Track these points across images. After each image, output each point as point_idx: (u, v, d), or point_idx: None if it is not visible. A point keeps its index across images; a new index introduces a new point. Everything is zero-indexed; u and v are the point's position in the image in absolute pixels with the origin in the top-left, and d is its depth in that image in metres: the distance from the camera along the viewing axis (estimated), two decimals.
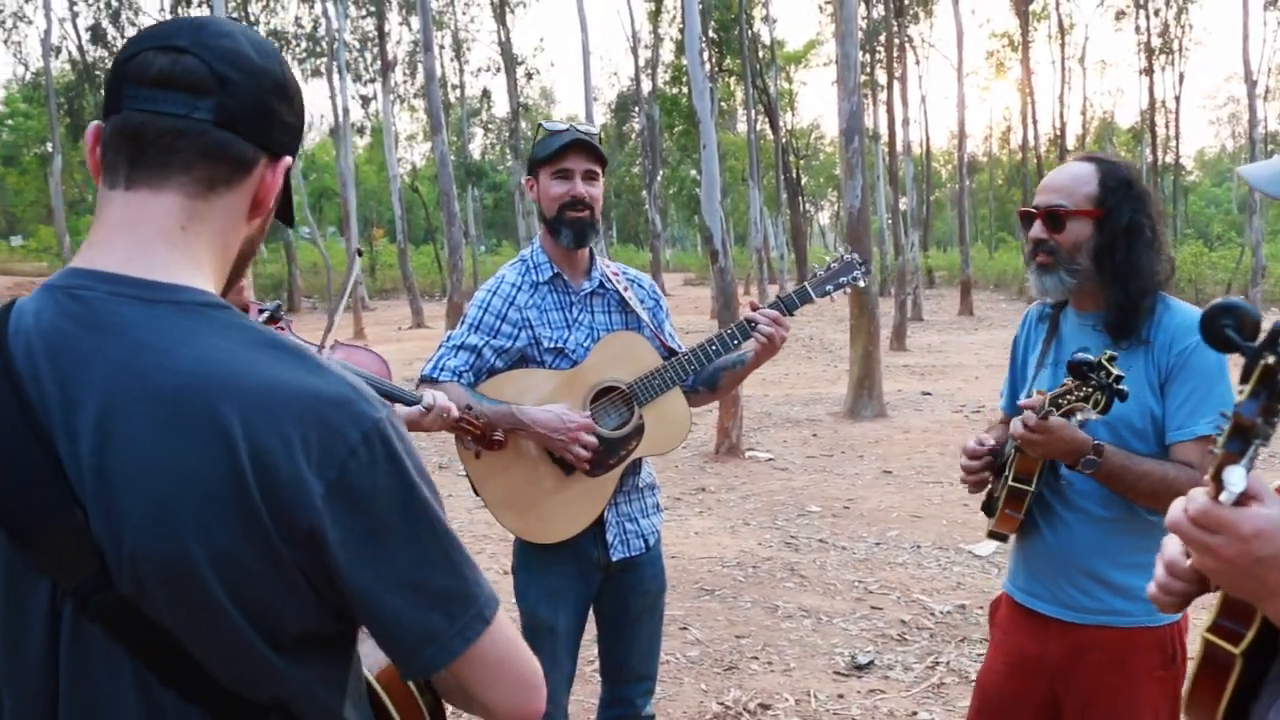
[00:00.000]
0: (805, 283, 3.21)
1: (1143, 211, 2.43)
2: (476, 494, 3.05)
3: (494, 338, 3.04)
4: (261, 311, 2.40)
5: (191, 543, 1.10)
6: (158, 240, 1.20)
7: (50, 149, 38.18)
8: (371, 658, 1.50)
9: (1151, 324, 2.42)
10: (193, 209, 1.21)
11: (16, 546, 1.13)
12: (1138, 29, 39.67)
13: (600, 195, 3.10)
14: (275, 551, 1.13)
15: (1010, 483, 2.50)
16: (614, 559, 3.10)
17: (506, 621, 1.28)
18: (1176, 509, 1.30)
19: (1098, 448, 2.30)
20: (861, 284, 3.25)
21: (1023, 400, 2.37)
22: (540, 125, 3.17)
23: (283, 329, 2.43)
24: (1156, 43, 39.44)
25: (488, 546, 7.28)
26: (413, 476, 1.20)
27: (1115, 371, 2.15)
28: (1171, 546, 1.49)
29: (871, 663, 5.04)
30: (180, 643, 1.15)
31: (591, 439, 2.94)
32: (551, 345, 3.05)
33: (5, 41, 39.03)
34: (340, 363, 2.37)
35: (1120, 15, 40.36)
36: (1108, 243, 2.42)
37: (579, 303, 3.13)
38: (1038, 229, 2.48)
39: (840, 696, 4.69)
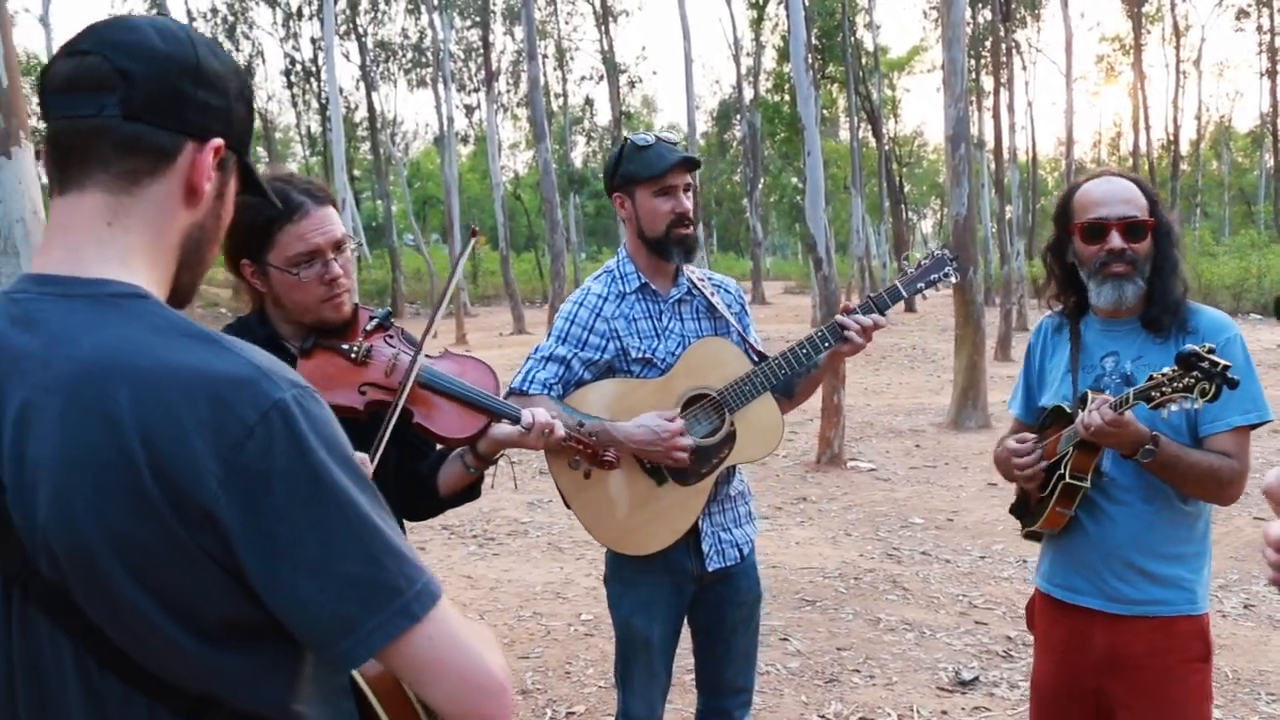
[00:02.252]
0: (896, 281, 3.14)
1: (1173, 221, 2.66)
2: (568, 506, 3.01)
3: (582, 349, 3.00)
4: (371, 318, 2.40)
5: (88, 526, 1.12)
6: (85, 239, 1.23)
7: None
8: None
9: (1190, 321, 2.58)
10: (117, 205, 1.24)
11: None
12: (1260, 28, 38.45)
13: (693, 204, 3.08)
14: (174, 534, 1.13)
15: (1067, 480, 2.57)
16: (710, 569, 3.06)
17: (450, 617, 1.22)
18: (1272, 476, 1.31)
19: (1155, 438, 2.40)
20: (954, 280, 3.17)
21: (1098, 398, 2.44)
22: (627, 139, 3.09)
23: (391, 337, 2.42)
24: None
25: (588, 552, 7.32)
26: (319, 457, 1.16)
27: (1222, 361, 2.21)
28: (1275, 529, 1.45)
29: (976, 679, 4.95)
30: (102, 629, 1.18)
31: (688, 441, 2.89)
32: (639, 355, 3.02)
33: None
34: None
35: (1242, 15, 39.16)
36: (1164, 249, 2.59)
37: (668, 310, 3.10)
38: (1116, 239, 2.57)
39: (944, 713, 4.62)
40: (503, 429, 2.42)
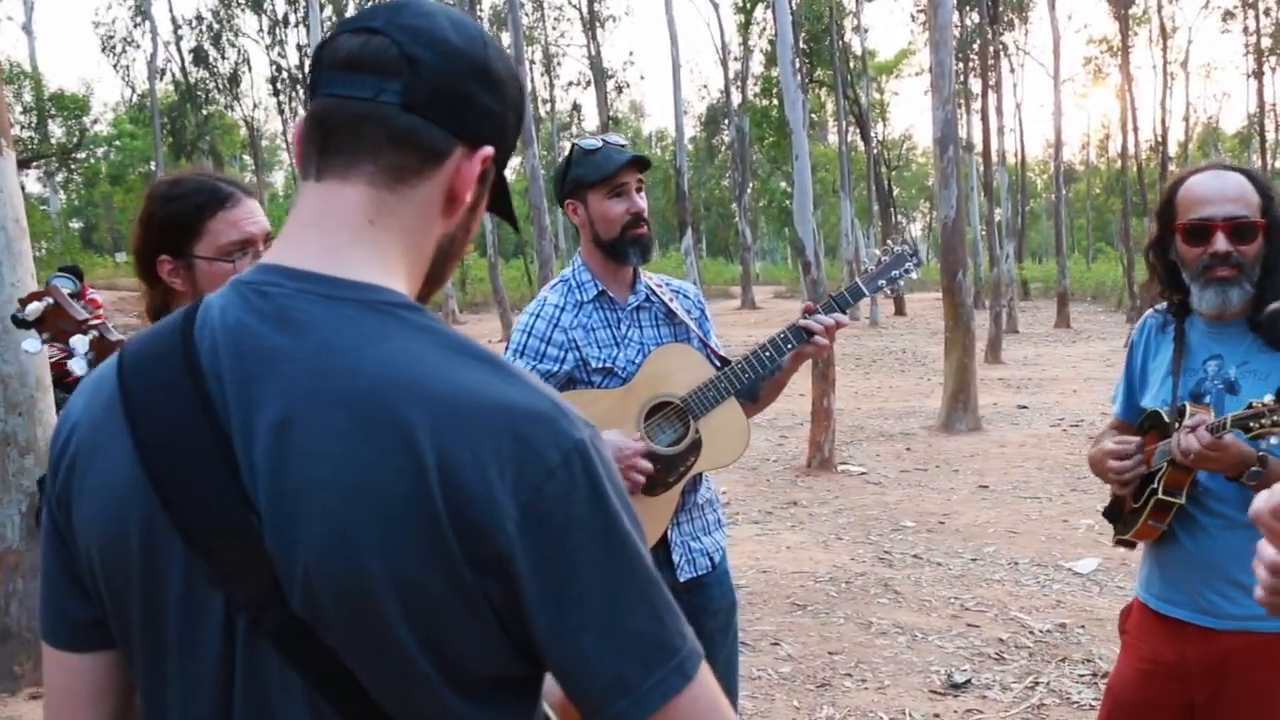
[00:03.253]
0: (856, 279, 3.11)
1: None
2: None
3: (540, 362, 2.94)
4: None
5: (371, 562, 1.01)
6: (346, 235, 1.12)
7: (154, 167, 39.35)
8: (549, 682, 1.44)
9: None
10: (381, 201, 1.12)
11: (190, 552, 1.06)
12: (1246, 30, 38.61)
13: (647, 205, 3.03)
14: (461, 578, 1.02)
15: (1160, 495, 2.45)
16: (681, 580, 2.99)
17: (710, 679, 1.12)
18: (1260, 501, 1.29)
19: (1262, 459, 2.25)
20: (914, 275, 3.14)
21: (1192, 419, 2.32)
22: (574, 145, 3.03)
23: None
24: (1267, 43, 38.33)
25: None
26: (615, 506, 1.07)
27: None
28: (1268, 550, 1.44)
29: (968, 682, 4.93)
30: (353, 674, 1.06)
31: (648, 465, 2.82)
32: (600, 365, 2.96)
33: (115, 65, 40.35)
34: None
35: (1228, 16, 39.33)
36: (1277, 249, 2.40)
37: (626, 318, 3.04)
38: (1222, 242, 2.39)
39: (936, 716, 4.60)
40: None
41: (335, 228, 1.12)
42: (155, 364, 1.10)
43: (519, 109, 1.21)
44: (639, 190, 2.97)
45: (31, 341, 2.35)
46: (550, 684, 1.27)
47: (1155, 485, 2.47)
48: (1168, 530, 2.51)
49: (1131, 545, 2.62)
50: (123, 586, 1.11)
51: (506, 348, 3.00)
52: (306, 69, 37.69)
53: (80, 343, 2.28)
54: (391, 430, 1.00)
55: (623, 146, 2.97)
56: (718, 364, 3.04)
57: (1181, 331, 2.57)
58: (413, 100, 1.10)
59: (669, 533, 2.98)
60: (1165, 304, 2.64)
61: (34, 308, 2.30)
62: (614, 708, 1.06)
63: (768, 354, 2.95)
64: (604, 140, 2.99)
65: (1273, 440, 2.19)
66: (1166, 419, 2.47)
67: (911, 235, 66.57)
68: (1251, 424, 2.18)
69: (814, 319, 2.94)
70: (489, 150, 1.17)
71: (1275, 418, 2.14)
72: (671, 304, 3.09)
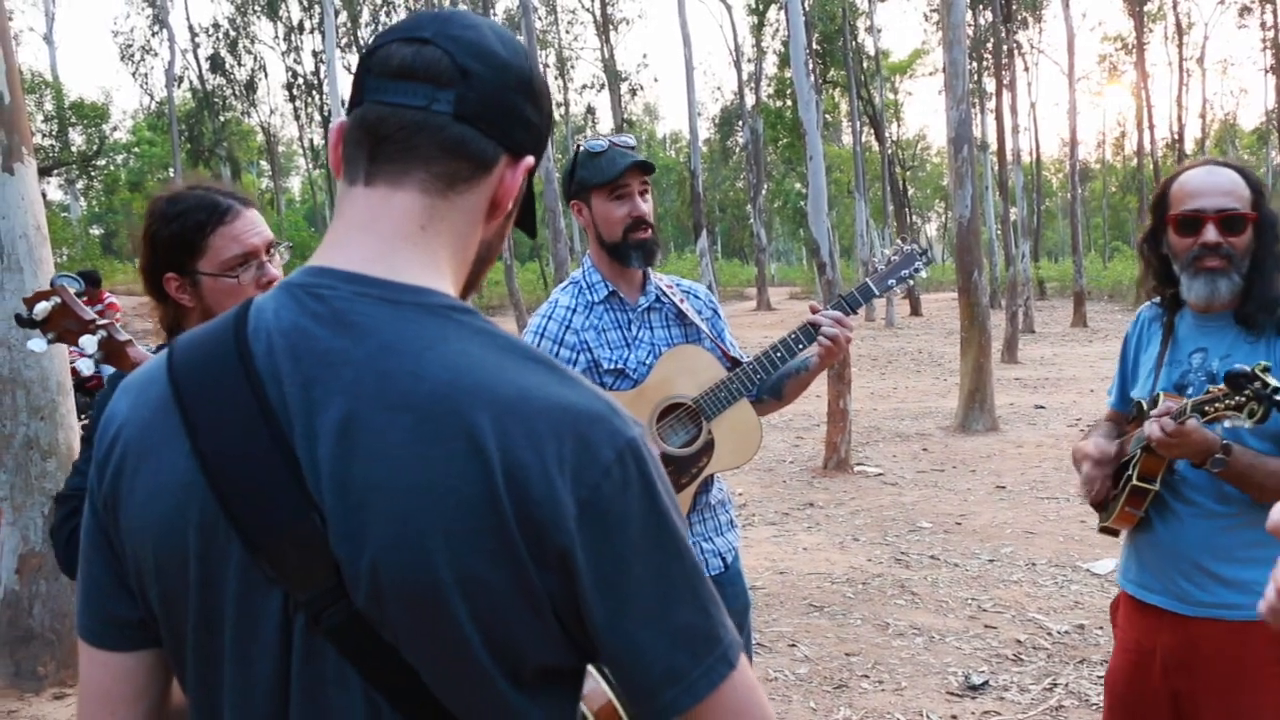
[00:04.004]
0: (867, 279, 3.11)
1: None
2: None
3: None
4: None
5: (440, 563, 1.03)
6: (398, 240, 1.14)
7: (173, 173, 39.55)
8: (586, 689, 1.43)
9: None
10: (432, 207, 1.15)
11: (250, 554, 1.08)
12: (1263, 25, 38.41)
13: (653, 208, 3.03)
14: (526, 577, 1.05)
15: (1135, 482, 2.52)
16: None
17: (748, 668, 1.17)
18: (1277, 513, 1.30)
19: (1226, 447, 2.32)
20: (924, 274, 3.15)
21: (1160, 407, 2.38)
22: (579, 147, 3.05)
23: None
24: None
25: None
26: (665, 502, 1.11)
27: (1273, 383, 2.15)
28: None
29: (986, 683, 4.93)
30: (413, 669, 1.08)
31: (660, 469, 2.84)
32: (611, 367, 2.96)
33: (134, 73, 40.61)
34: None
35: (1245, 11, 39.13)
36: (1266, 244, 2.47)
37: (637, 319, 3.05)
38: (1212, 233, 2.46)
39: (954, 717, 4.60)
40: None
41: (388, 232, 1.14)
42: (210, 366, 1.12)
43: (552, 121, 1.25)
44: (643, 194, 2.97)
45: (37, 341, 2.36)
46: (588, 689, 1.34)
47: (1131, 472, 2.54)
48: (1145, 517, 2.58)
49: (1115, 533, 2.69)
50: (177, 589, 1.12)
51: None
52: (322, 75, 37.93)
53: (89, 343, 2.29)
54: (458, 433, 1.03)
55: (630, 148, 2.98)
56: (728, 365, 3.05)
57: (1171, 325, 2.64)
58: (465, 111, 1.12)
59: None
60: (1158, 298, 2.71)
61: (41, 307, 2.31)
62: (665, 696, 1.10)
63: (779, 354, 2.96)
64: (610, 142, 2.99)
65: (1227, 424, 2.25)
66: (1145, 408, 2.53)
67: (927, 235, 66.38)
68: (1207, 408, 2.25)
69: (822, 315, 2.95)
70: (530, 160, 1.20)
71: (1227, 402, 2.21)
72: (682, 305, 3.10)
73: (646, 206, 2.97)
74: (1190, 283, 2.51)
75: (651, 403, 2.95)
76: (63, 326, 2.34)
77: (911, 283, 3.16)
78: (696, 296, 3.21)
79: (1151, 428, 2.36)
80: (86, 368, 2.34)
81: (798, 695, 4.89)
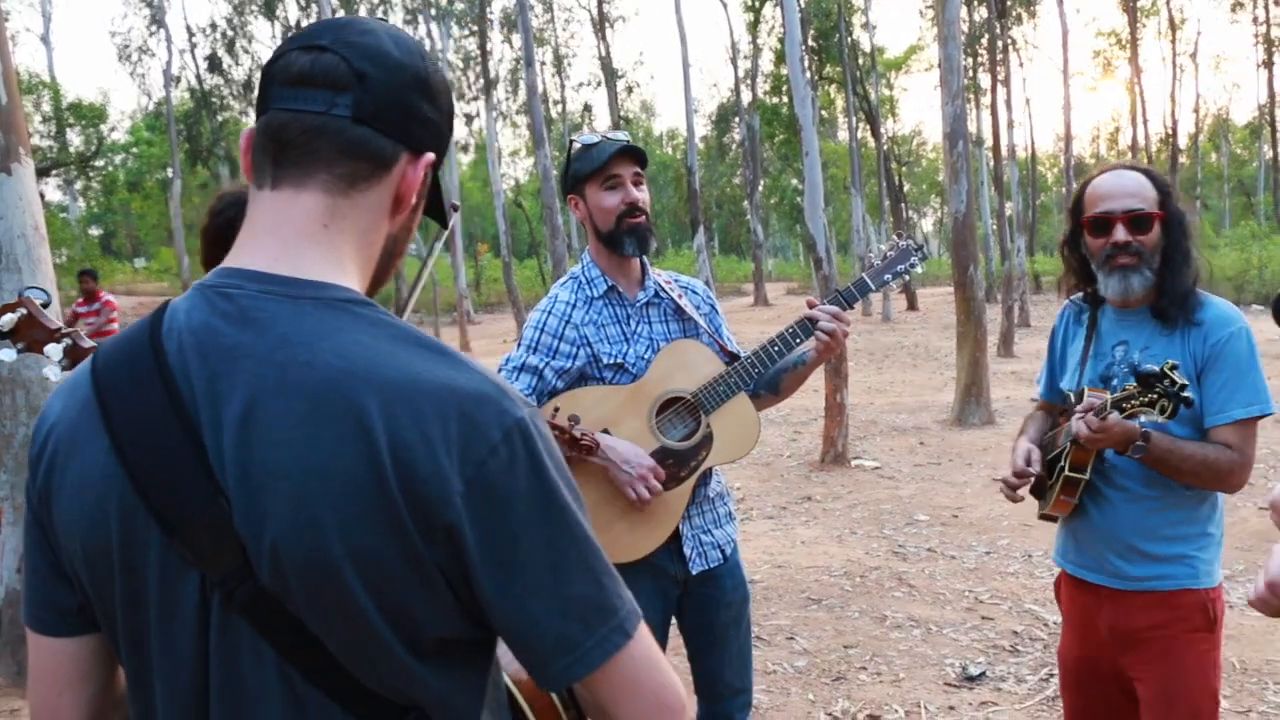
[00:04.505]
0: (863, 274, 3.14)
1: (1187, 212, 2.72)
2: None
3: (553, 358, 2.97)
4: None
5: (332, 539, 1.09)
6: (302, 239, 1.20)
7: (170, 174, 39.57)
8: (513, 665, 1.50)
9: (1197, 316, 2.63)
10: (334, 207, 1.21)
11: (168, 538, 1.14)
12: (1255, 20, 38.44)
13: (648, 199, 3.04)
14: (415, 551, 1.11)
15: (1067, 473, 2.70)
16: (693, 572, 3.04)
17: (649, 638, 1.23)
18: (1278, 493, 1.38)
19: (1145, 435, 2.48)
20: (919, 269, 3.19)
21: (1084, 404, 2.54)
22: (574, 142, 3.08)
23: None
24: (1277, 34, 38.14)
25: None
26: (554, 478, 1.16)
27: (1180, 380, 2.33)
28: (1276, 565, 1.52)
29: (983, 674, 4.96)
30: (320, 641, 1.14)
31: (655, 485, 2.85)
32: (611, 361, 2.99)
33: (131, 74, 40.57)
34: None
35: (1237, 6, 39.15)
36: (1174, 240, 2.65)
37: (636, 314, 3.07)
38: (1121, 232, 2.64)
39: (951, 708, 4.63)
40: None
41: (292, 233, 1.20)
42: (127, 365, 1.18)
43: (452, 117, 1.33)
44: (637, 183, 3.00)
45: (7, 350, 2.47)
46: (511, 658, 1.37)
47: (1063, 464, 2.71)
48: (1080, 503, 2.76)
49: (1053, 519, 2.86)
50: (105, 575, 1.19)
51: (519, 345, 3.04)
52: None
53: (54, 351, 2.43)
54: (347, 416, 1.09)
55: (622, 141, 3.00)
56: (726, 359, 3.08)
57: (1094, 319, 2.83)
58: (363, 113, 1.19)
59: (681, 526, 3.01)
60: (1080, 294, 2.88)
61: (7, 319, 2.44)
62: (559, 664, 1.17)
63: (776, 348, 2.99)
64: (604, 136, 3.02)
65: (1143, 419, 2.42)
66: (1073, 401, 2.70)
67: (923, 230, 66.39)
68: (1124, 405, 2.42)
69: (819, 310, 2.99)
70: (431, 156, 1.28)
71: (1141, 399, 2.38)
72: (680, 300, 3.12)
73: (640, 194, 2.99)
74: (1106, 280, 2.70)
75: (650, 397, 2.97)
76: (30, 336, 2.47)
77: (907, 278, 3.19)
78: (694, 292, 3.24)
79: (1078, 425, 2.53)
80: (54, 374, 2.43)
81: (796, 687, 4.92)
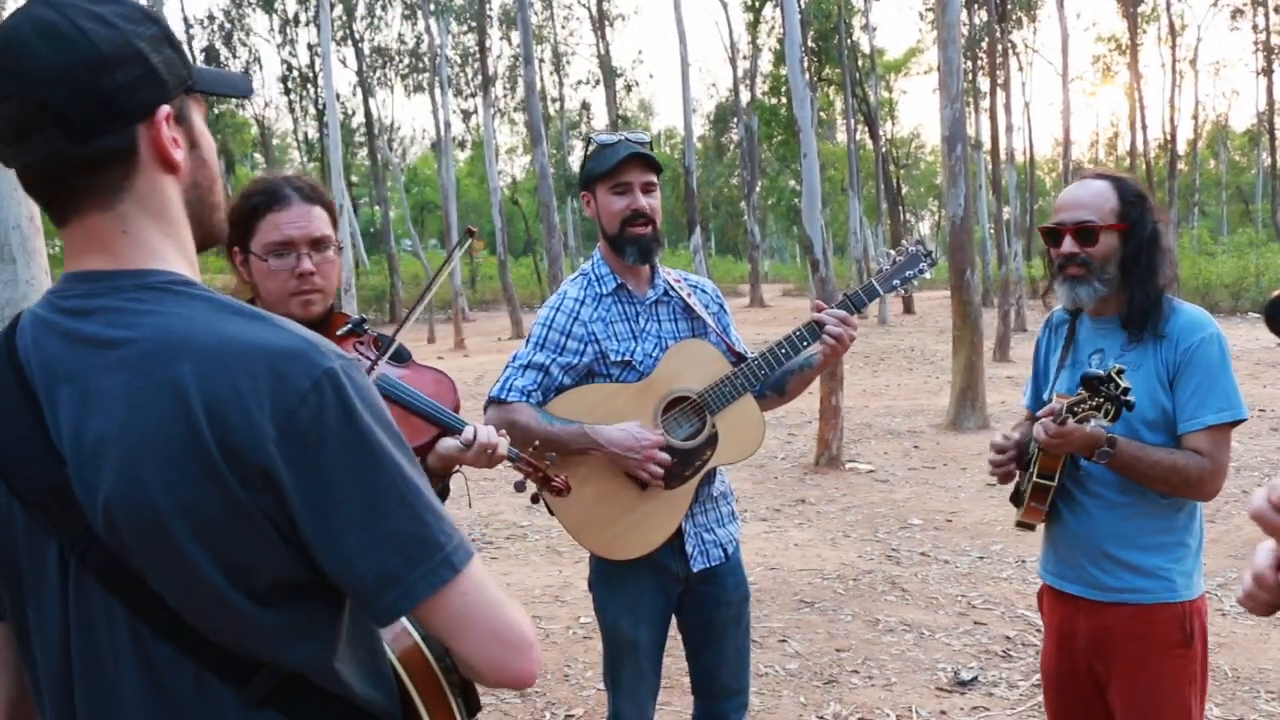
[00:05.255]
0: (872, 279, 3.14)
1: (1155, 222, 2.68)
2: (551, 514, 2.99)
3: (560, 354, 2.98)
4: (346, 325, 2.39)
5: (156, 493, 1.17)
6: (113, 249, 1.27)
7: None
8: (389, 633, 1.51)
9: (1167, 325, 2.63)
10: (119, 215, 1.26)
11: (27, 511, 1.24)
12: (1255, 27, 38.50)
13: (659, 206, 3.04)
14: (237, 499, 1.19)
15: (1035, 479, 2.72)
16: (695, 570, 3.06)
17: (483, 575, 1.29)
18: (1261, 500, 1.36)
19: (1111, 440, 2.50)
20: (928, 275, 3.19)
21: (1044, 409, 2.56)
22: (591, 139, 3.09)
23: (361, 343, 2.39)
24: (1277, 41, 38.19)
25: (586, 555, 7.30)
26: (365, 422, 1.23)
27: (1123, 384, 2.35)
28: (1261, 559, 1.52)
29: (975, 679, 4.95)
30: (162, 597, 1.23)
31: (665, 456, 2.89)
32: (619, 359, 3.00)
33: None
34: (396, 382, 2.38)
35: (1237, 14, 39.20)
36: (1134, 253, 2.65)
37: (645, 312, 3.08)
38: (1069, 244, 2.67)
39: (943, 713, 4.62)
40: (448, 444, 2.40)
41: (101, 249, 1.27)
42: None
43: (161, 38, 1.28)
44: (647, 189, 2.99)
45: None
46: (392, 635, 1.49)
47: (1032, 470, 2.74)
48: (1056, 510, 2.77)
49: (1030, 528, 2.84)
50: None
51: (527, 340, 3.05)
52: (317, 68, 37.86)
53: None
54: (164, 382, 1.18)
55: (640, 144, 2.99)
56: (733, 360, 3.08)
57: (1073, 329, 2.85)
58: (75, 133, 1.21)
59: (683, 524, 3.02)
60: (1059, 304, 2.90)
61: None
62: (385, 598, 1.23)
63: (784, 350, 3.00)
64: (623, 137, 3.02)
65: (1092, 423, 2.45)
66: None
67: (920, 233, 66.43)
68: (1076, 409, 2.44)
69: (826, 313, 2.98)
70: (164, 109, 1.27)
71: (1090, 403, 2.41)
72: (689, 299, 3.13)
73: (647, 201, 2.98)
74: (1058, 288, 2.75)
75: (657, 395, 2.99)
76: None
77: (915, 283, 3.19)
78: (704, 291, 3.25)
79: (1037, 429, 2.56)
80: None
81: (788, 690, 4.91)
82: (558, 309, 3.04)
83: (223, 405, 1.17)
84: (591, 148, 3.06)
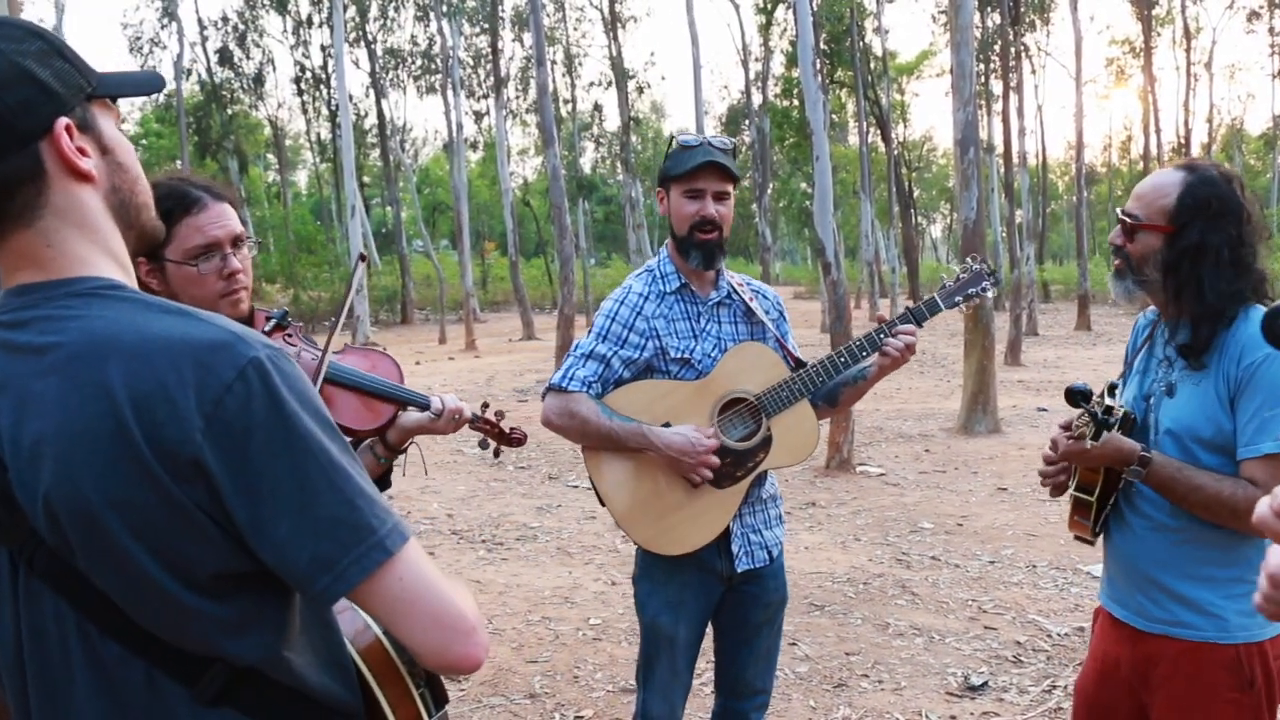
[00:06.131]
0: (935, 294, 3.13)
1: (1217, 231, 2.35)
2: (603, 505, 3.03)
3: (622, 348, 3.01)
4: (269, 319, 2.40)
5: (89, 491, 1.19)
6: (42, 264, 1.28)
7: (179, 166, 39.56)
8: (350, 628, 1.52)
9: (1224, 338, 2.34)
10: (39, 232, 1.27)
11: None
12: (1271, 30, 38.35)
13: (730, 214, 3.05)
14: (169, 493, 1.20)
15: (1073, 492, 2.54)
16: (739, 570, 3.08)
17: (420, 558, 1.28)
18: (1264, 507, 1.26)
19: (1143, 459, 2.30)
20: (990, 295, 3.18)
21: (1063, 421, 2.38)
22: (673, 137, 3.10)
23: (290, 336, 2.42)
24: None
25: (596, 557, 7.32)
26: (292, 408, 1.23)
27: (1109, 403, 2.20)
28: (1275, 559, 1.45)
29: (985, 684, 4.94)
30: (107, 594, 1.24)
31: (716, 460, 2.91)
32: (678, 355, 3.03)
33: (142, 66, 40.62)
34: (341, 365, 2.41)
35: (1253, 16, 39.05)
36: (1175, 260, 2.37)
37: (706, 313, 3.10)
38: (1116, 234, 2.50)
39: (953, 718, 4.61)
40: (411, 416, 2.47)
41: (31, 264, 1.28)
42: None
43: (50, 51, 1.27)
44: (720, 198, 3.01)
45: None
46: (353, 630, 1.49)
47: (1071, 482, 2.56)
48: (1106, 528, 2.57)
49: (1089, 542, 2.63)
50: None
51: (590, 331, 3.08)
52: (330, 69, 37.93)
53: None
54: (90, 381, 1.20)
55: (724, 149, 3.01)
56: (792, 365, 3.10)
57: (1154, 331, 2.59)
58: None
59: (731, 524, 3.04)
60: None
61: None
62: (319, 583, 1.23)
63: (843, 359, 3.00)
64: (706, 140, 3.04)
65: (1089, 442, 2.26)
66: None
67: (931, 237, 66.25)
68: (1074, 425, 2.30)
69: (887, 326, 2.99)
70: (63, 121, 1.26)
71: (1080, 420, 2.27)
72: (751, 303, 3.15)
73: (717, 209, 3.00)
74: (1108, 280, 2.57)
75: (715, 395, 3.02)
76: None
77: (976, 302, 3.17)
78: (765, 297, 3.27)
79: (1058, 438, 2.39)
80: None
81: (798, 694, 4.90)
82: (622, 302, 3.08)
83: (149, 401, 1.19)
84: (673, 146, 3.07)
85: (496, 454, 2.90)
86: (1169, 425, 2.37)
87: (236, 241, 2.31)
